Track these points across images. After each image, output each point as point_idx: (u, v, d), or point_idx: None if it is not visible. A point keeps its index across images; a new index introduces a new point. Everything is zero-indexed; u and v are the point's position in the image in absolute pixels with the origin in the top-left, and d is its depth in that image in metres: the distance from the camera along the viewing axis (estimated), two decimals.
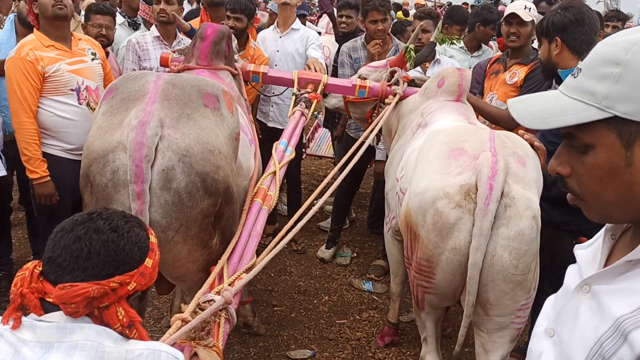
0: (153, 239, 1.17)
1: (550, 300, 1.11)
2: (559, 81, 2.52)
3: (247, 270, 2.01)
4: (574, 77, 0.89)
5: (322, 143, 5.90)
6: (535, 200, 2.03)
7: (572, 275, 1.05)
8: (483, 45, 4.52)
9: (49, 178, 2.91)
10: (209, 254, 2.05)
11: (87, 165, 1.89)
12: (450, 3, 18.97)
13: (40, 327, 1.00)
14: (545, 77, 2.74)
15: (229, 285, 1.91)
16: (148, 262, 1.11)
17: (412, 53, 3.22)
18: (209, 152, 1.94)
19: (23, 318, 1.01)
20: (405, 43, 4.03)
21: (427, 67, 3.78)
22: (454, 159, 2.11)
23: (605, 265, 0.95)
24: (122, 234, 1.09)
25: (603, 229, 1.04)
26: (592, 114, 0.84)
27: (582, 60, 0.95)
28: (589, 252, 1.04)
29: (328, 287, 3.95)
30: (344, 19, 4.45)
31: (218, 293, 1.83)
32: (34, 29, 2.98)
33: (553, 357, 0.98)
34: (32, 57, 2.83)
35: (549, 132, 2.32)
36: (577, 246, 1.10)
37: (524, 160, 2.10)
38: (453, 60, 3.95)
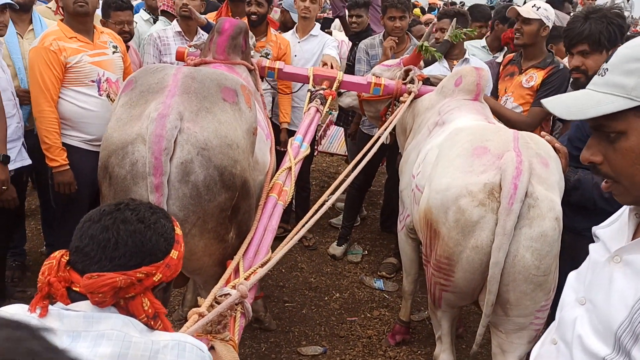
0: (178, 230, 1.16)
1: (573, 275, 1.24)
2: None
3: (262, 265, 2.00)
4: (602, 76, 1.02)
5: (334, 140, 5.88)
6: (557, 202, 2.00)
7: (597, 250, 1.17)
8: (506, 47, 4.46)
9: (68, 167, 2.93)
10: (225, 248, 2.03)
11: (106, 157, 1.88)
12: (463, 3, 18.85)
13: (67, 316, 1.00)
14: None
15: (245, 279, 1.90)
16: (174, 253, 1.10)
17: (430, 48, 3.19)
18: (227, 146, 1.93)
19: (50, 307, 1.00)
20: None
21: (455, 65, 3.74)
22: (478, 157, 2.08)
23: (633, 239, 1.07)
24: (149, 225, 1.08)
25: (623, 210, 1.17)
26: (624, 103, 0.96)
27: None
28: (611, 230, 1.16)
29: (339, 284, 3.93)
30: (354, 19, 4.41)
31: (234, 287, 1.82)
32: (58, 21, 3.00)
33: (588, 321, 1.08)
34: (55, 47, 2.85)
35: (577, 138, 2.29)
36: (595, 227, 1.23)
37: (547, 161, 2.07)
38: (481, 61, 3.90)
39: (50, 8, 3.83)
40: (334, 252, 4.28)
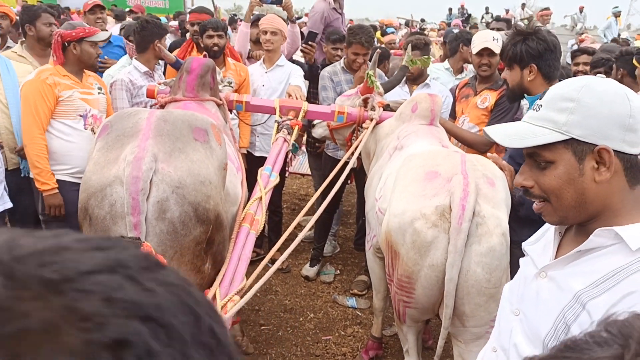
0: None
1: (507, 288, 1.37)
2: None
3: (239, 293, 2.14)
4: (537, 111, 1.16)
5: (304, 161, 6.04)
6: (504, 219, 2.21)
7: (526, 265, 1.30)
8: (466, 68, 4.71)
9: (57, 190, 3.11)
10: (202, 279, 2.16)
11: (86, 199, 2.00)
12: (424, 20, 19.47)
13: None
14: (512, 100, 2.85)
15: (222, 307, 2.03)
16: None
17: (372, 78, 3.40)
18: (200, 183, 2.07)
19: None
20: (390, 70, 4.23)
21: (415, 90, 3.97)
22: (429, 181, 2.28)
23: (556, 256, 1.21)
24: None
25: (547, 229, 1.32)
26: (556, 136, 1.11)
27: (550, 85, 1.19)
28: (538, 247, 1.30)
29: (313, 304, 4.06)
30: (339, 52, 4.53)
31: None
32: (51, 62, 3.22)
33: (521, 331, 1.23)
34: (50, 81, 3.09)
35: (518, 155, 2.51)
36: (524, 243, 1.37)
37: (493, 181, 2.28)
38: (441, 85, 4.14)
39: (15, 52, 3.90)
40: (307, 274, 4.41)
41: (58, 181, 3.14)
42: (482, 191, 2.21)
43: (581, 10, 17.88)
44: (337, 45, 4.56)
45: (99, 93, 3.36)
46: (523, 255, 2.51)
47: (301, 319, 3.86)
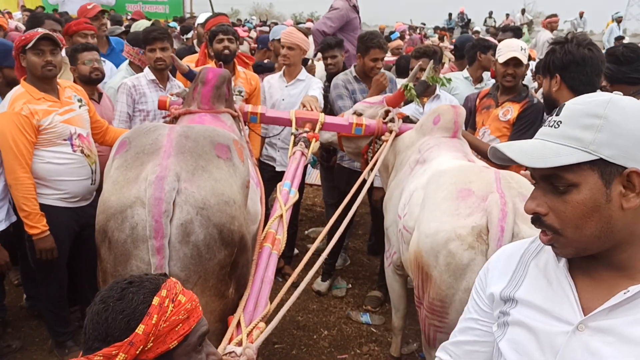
0: (156, 300, 1.08)
1: (510, 350, 1.14)
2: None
3: (263, 319, 2.03)
4: (555, 128, 1.04)
5: (312, 171, 5.93)
6: None
7: (533, 317, 1.11)
8: (485, 76, 4.61)
9: (48, 232, 2.86)
10: (225, 304, 2.05)
11: (105, 221, 1.88)
12: (424, 24, 19.51)
13: None
14: (548, 110, 2.71)
15: (247, 335, 1.92)
16: (140, 328, 1.05)
17: (413, 91, 3.29)
18: (225, 204, 1.96)
19: None
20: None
21: (425, 102, 3.86)
22: (463, 200, 2.17)
23: (580, 300, 1.06)
24: (109, 305, 1.07)
25: (515, 266, 1.20)
26: (582, 156, 0.99)
27: None
28: (532, 292, 1.13)
29: (326, 321, 3.94)
30: (329, 60, 4.48)
31: (238, 344, 1.84)
32: (22, 81, 2.93)
33: None
34: (26, 111, 2.80)
35: None
36: (502, 289, 1.18)
37: None
38: (451, 96, 4.04)
39: None
40: (319, 288, 4.29)
41: (49, 207, 2.90)
42: (519, 211, 2.09)
43: (581, 15, 17.92)
44: (326, 54, 4.50)
45: (80, 107, 3.06)
46: None
47: (315, 337, 3.73)
